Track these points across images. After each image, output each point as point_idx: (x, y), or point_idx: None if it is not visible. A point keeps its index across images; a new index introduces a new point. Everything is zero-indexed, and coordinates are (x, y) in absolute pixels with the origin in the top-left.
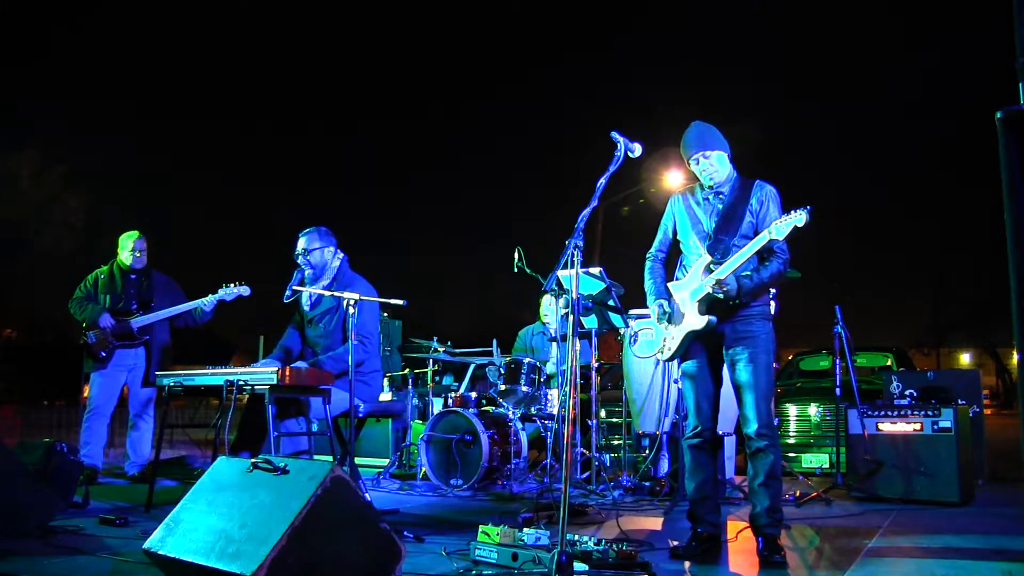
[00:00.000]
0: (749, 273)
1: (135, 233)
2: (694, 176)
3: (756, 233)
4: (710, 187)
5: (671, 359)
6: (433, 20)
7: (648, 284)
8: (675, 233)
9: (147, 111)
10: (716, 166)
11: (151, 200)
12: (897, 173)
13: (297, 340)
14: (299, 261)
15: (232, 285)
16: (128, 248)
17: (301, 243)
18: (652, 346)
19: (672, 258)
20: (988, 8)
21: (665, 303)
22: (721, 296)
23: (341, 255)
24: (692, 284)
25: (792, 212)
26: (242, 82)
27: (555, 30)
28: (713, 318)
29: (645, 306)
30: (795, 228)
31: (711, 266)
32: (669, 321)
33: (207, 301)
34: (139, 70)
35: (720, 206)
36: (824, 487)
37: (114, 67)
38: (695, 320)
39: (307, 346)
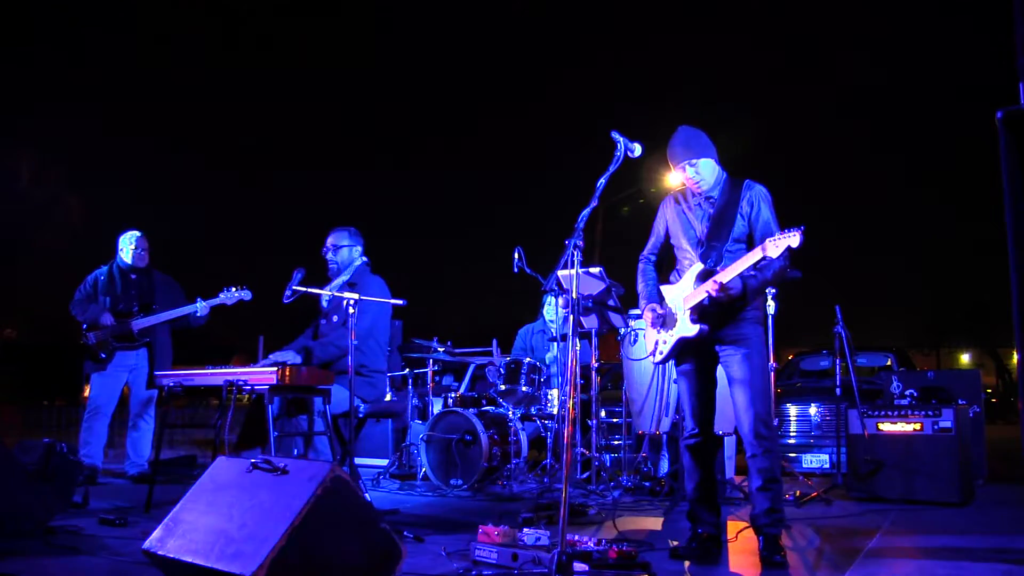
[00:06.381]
0: (753, 273)
1: (136, 232)
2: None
3: (749, 234)
4: (699, 193)
5: (664, 362)
6: (435, 21)
7: (640, 287)
8: (667, 236)
9: (148, 110)
10: (703, 174)
11: (152, 199)
12: (897, 173)
13: (309, 338)
14: (326, 257)
15: (233, 289)
16: (130, 247)
17: (331, 239)
18: (644, 348)
19: (662, 260)
20: (987, 8)
21: (657, 307)
22: (723, 299)
23: (364, 258)
24: (685, 291)
25: (788, 232)
26: (243, 82)
27: (554, 30)
28: (705, 327)
29: None
30: (789, 248)
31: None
32: (663, 326)
33: (204, 305)
34: (139, 69)
35: (711, 210)
36: (824, 487)
37: (114, 68)
38: (687, 328)
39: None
